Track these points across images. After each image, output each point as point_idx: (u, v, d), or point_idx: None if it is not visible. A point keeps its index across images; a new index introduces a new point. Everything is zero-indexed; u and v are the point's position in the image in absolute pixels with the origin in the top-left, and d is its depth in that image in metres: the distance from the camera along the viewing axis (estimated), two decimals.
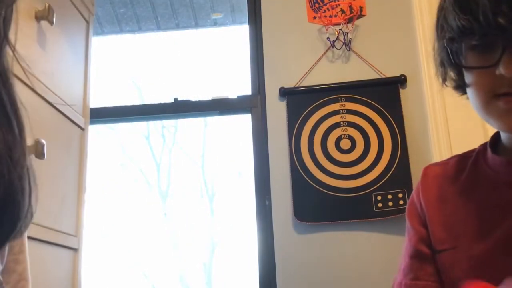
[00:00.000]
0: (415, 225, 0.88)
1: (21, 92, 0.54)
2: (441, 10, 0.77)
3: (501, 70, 0.69)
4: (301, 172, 2.06)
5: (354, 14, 2.20)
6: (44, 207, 1.47)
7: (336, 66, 2.19)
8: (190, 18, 2.78)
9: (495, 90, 0.72)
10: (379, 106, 2.10)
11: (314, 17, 2.25)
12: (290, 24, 2.26)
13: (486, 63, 0.71)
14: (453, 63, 0.77)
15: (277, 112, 2.17)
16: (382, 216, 1.99)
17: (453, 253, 0.81)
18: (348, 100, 2.12)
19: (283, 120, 2.15)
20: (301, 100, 2.15)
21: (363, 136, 2.08)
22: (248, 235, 2.65)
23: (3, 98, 0.50)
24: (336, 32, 2.19)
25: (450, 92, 0.85)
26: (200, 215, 3.12)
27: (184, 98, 2.35)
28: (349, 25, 2.19)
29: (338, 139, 2.09)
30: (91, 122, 1.91)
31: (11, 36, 0.51)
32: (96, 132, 2.76)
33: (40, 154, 1.38)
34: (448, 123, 2.02)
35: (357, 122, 2.10)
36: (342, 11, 2.21)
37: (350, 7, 2.22)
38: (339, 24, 2.20)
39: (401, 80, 2.13)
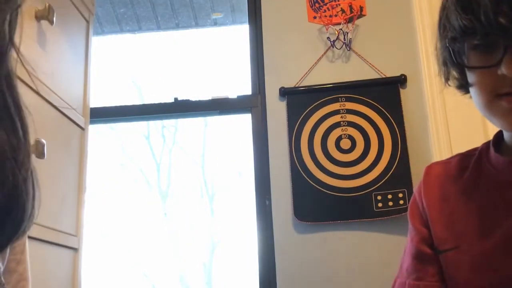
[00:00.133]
0: (416, 225, 0.88)
1: (22, 93, 0.54)
2: (444, 9, 0.77)
3: (503, 70, 0.69)
4: (301, 172, 2.06)
5: (354, 14, 2.20)
6: (44, 207, 1.45)
7: (336, 66, 2.19)
8: (190, 18, 2.78)
9: (498, 89, 0.72)
10: (379, 106, 2.10)
11: (314, 17, 2.25)
12: (290, 24, 2.26)
13: (488, 63, 0.71)
14: (455, 63, 0.77)
15: (277, 112, 2.17)
16: (382, 216, 1.99)
17: (456, 253, 0.81)
18: (348, 100, 2.12)
19: (283, 120, 2.14)
20: (301, 100, 2.15)
21: (363, 136, 2.08)
22: (248, 235, 2.65)
23: (8, 100, 0.50)
24: (336, 32, 2.19)
25: (450, 92, 0.85)
26: (200, 215, 3.12)
27: (184, 98, 2.34)
28: (349, 25, 2.19)
29: (338, 139, 2.09)
30: (91, 122, 1.91)
31: (16, 39, 0.51)
32: (96, 132, 2.75)
33: (40, 154, 1.38)
34: (448, 123, 2.02)
35: (357, 122, 2.10)
36: (342, 11, 2.21)
37: (350, 7, 2.22)
38: (339, 24, 2.20)
39: (401, 80, 2.13)
